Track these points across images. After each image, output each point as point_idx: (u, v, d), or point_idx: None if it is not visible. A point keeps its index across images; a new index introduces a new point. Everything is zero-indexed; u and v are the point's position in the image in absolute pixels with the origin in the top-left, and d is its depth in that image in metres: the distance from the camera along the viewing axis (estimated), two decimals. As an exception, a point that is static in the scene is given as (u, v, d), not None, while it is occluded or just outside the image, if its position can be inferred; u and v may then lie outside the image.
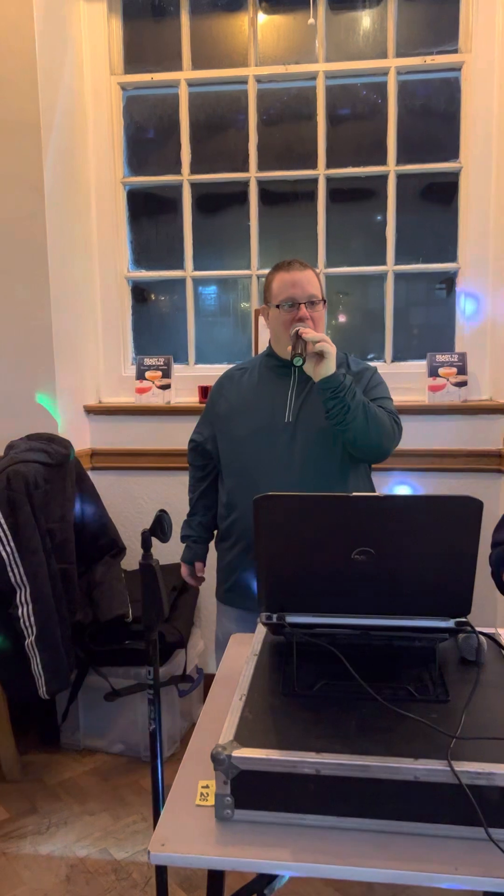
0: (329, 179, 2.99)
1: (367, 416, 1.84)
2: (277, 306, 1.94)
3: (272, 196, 3.06)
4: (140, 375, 3.05)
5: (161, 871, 1.70)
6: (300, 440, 1.93)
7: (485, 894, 1.69)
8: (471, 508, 1.20)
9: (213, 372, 3.09)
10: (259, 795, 1.09)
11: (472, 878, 0.99)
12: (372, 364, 2.09)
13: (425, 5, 2.84)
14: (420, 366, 2.96)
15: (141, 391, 3.04)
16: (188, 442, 2.22)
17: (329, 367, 1.81)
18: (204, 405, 2.94)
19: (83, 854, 2.23)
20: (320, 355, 1.81)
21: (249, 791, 1.09)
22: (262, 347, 2.96)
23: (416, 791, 1.05)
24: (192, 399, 3.05)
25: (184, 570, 2.24)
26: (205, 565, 2.24)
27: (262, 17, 2.93)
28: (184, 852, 1.05)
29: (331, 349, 1.82)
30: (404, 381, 2.94)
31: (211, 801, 1.13)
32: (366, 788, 1.06)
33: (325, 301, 1.99)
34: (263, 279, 3.07)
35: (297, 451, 1.93)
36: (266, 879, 1.62)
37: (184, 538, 2.23)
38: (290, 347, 1.86)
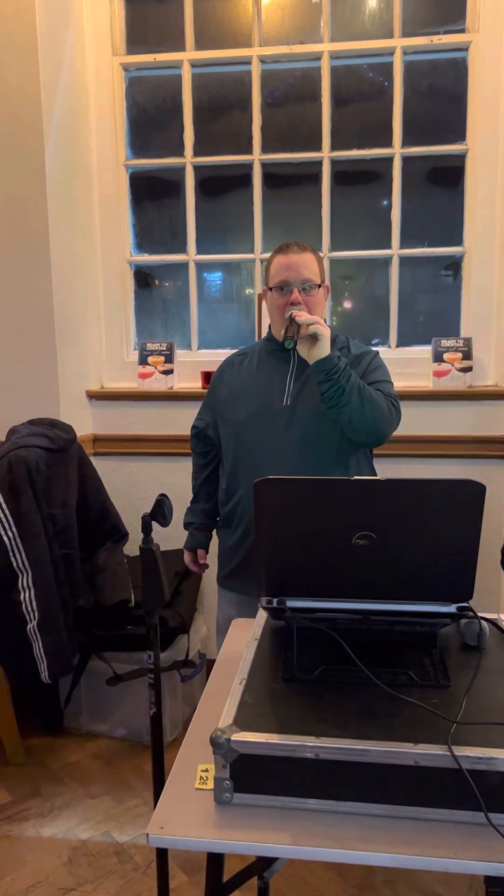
0: (334, 162, 2.96)
1: (362, 399, 1.82)
2: (272, 289, 1.94)
3: (276, 179, 3.02)
4: (143, 360, 3.03)
5: (162, 854, 1.70)
6: (297, 423, 1.91)
7: (485, 878, 1.69)
8: (473, 492, 1.19)
9: (216, 357, 3.07)
10: (258, 779, 1.08)
11: (472, 862, 0.99)
12: (374, 349, 2.07)
13: (432, -16, 2.80)
14: (425, 351, 2.93)
15: (143, 376, 3.03)
16: (190, 428, 2.21)
17: (323, 349, 1.80)
18: (206, 391, 2.95)
19: (85, 837, 2.24)
20: (314, 337, 1.80)
21: (249, 775, 1.08)
22: (265, 333, 2.94)
23: (417, 776, 1.04)
24: (195, 384, 3.04)
25: (186, 557, 2.24)
26: (207, 552, 2.23)
27: (267, -3, 2.89)
28: (183, 835, 1.05)
29: (324, 331, 1.81)
30: (409, 366, 2.92)
31: (210, 784, 1.13)
32: (365, 773, 1.05)
33: (325, 286, 1.97)
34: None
35: (294, 435, 1.91)
36: (265, 862, 1.62)
37: (186, 525, 2.22)
38: (283, 331, 1.85)
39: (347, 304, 3.09)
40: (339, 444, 1.92)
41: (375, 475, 2.10)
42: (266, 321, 2.94)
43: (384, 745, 1.05)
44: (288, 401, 1.93)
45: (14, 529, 2.34)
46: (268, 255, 3.02)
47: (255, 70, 2.93)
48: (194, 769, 1.18)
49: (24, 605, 2.36)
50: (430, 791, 1.04)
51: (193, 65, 2.97)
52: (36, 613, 2.37)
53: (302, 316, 1.81)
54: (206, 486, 2.19)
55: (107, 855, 2.16)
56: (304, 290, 1.91)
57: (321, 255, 1.98)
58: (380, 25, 2.84)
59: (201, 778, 1.16)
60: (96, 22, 2.94)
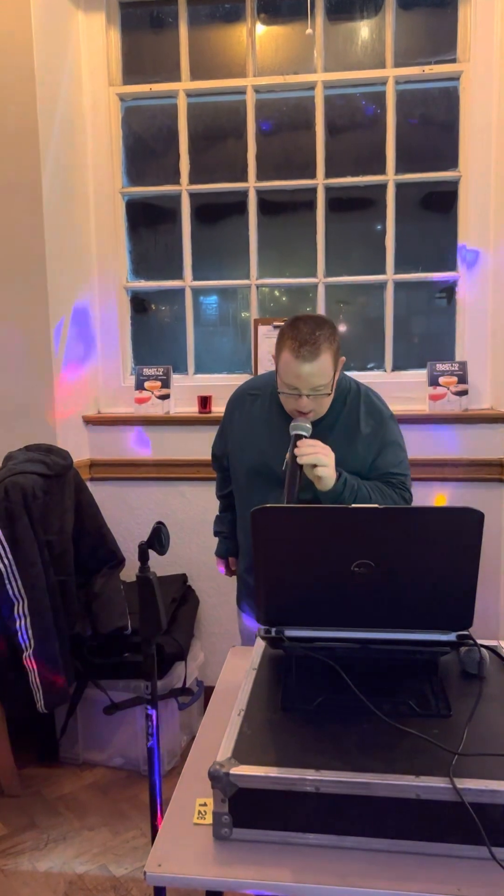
0: (328, 189, 2.99)
1: None
2: (279, 382, 1.79)
3: (271, 206, 3.05)
4: (139, 385, 3.04)
5: (160, 891, 1.67)
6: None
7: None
8: (471, 520, 1.18)
9: (212, 382, 3.08)
10: (258, 814, 1.07)
11: (476, 898, 0.97)
12: (386, 408, 1.94)
13: (423, 15, 2.85)
14: (420, 375, 2.94)
15: (140, 401, 3.03)
16: (211, 447, 2.20)
17: (326, 483, 1.72)
18: (203, 416, 2.96)
19: (82, 870, 2.20)
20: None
21: (248, 809, 1.07)
22: (262, 357, 2.96)
23: (418, 809, 1.03)
24: (191, 409, 3.04)
25: (219, 564, 2.26)
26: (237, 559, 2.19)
27: (261, 28, 2.94)
28: (181, 873, 1.03)
29: (327, 471, 1.71)
30: (404, 390, 2.92)
31: (209, 819, 1.11)
32: (367, 806, 1.04)
33: (340, 360, 1.82)
34: (263, 289, 3.09)
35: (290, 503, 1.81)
36: (266, 898, 1.59)
37: (216, 533, 2.25)
38: (287, 455, 1.73)
39: (343, 328, 3.11)
40: None
41: None
42: (262, 347, 2.96)
43: (385, 777, 1.04)
44: (286, 466, 1.78)
45: (10, 556, 2.32)
46: (264, 280, 3.07)
47: (250, 99, 2.97)
48: (192, 803, 1.17)
49: (19, 633, 2.34)
50: (433, 825, 1.03)
51: (189, 94, 3.01)
52: (32, 641, 2.34)
53: (305, 456, 1.69)
54: (231, 497, 2.13)
55: (104, 889, 2.12)
56: (313, 395, 1.76)
57: (334, 348, 1.77)
58: (372, 56, 2.89)
59: (200, 812, 1.14)
60: (93, 52, 2.98)
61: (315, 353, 1.70)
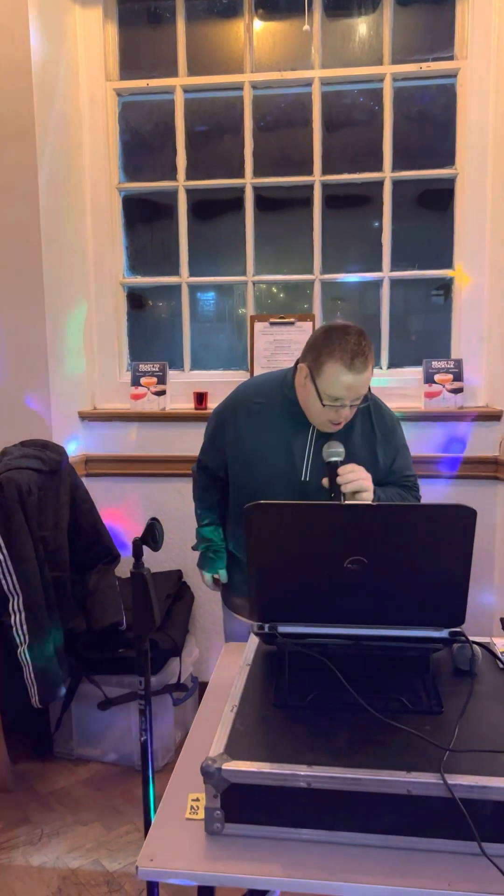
0: (325, 186, 2.99)
1: None
2: (319, 394, 1.71)
3: (268, 202, 3.05)
4: (135, 381, 3.03)
5: (152, 885, 1.68)
6: (313, 500, 1.80)
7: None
8: (464, 517, 1.19)
9: (208, 378, 3.08)
10: (250, 809, 1.07)
11: (466, 893, 0.98)
12: (389, 410, 1.95)
13: (421, 12, 2.84)
14: (416, 372, 2.95)
15: (136, 397, 3.03)
16: (196, 463, 2.09)
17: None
18: (200, 412, 2.96)
19: (75, 865, 2.20)
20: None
21: (240, 804, 1.07)
22: (258, 354, 2.96)
23: (409, 805, 1.03)
24: (187, 405, 3.04)
25: (205, 579, 2.11)
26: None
27: (258, 24, 2.93)
28: (173, 868, 1.04)
29: (370, 496, 1.70)
30: (400, 387, 2.93)
31: (201, 814, 1.11)
32: (358, 802, 1.04)
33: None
34: (260, 285, 3.09)
35: None
36: (257, 894, 1.60)
37: (206, 548, 2.09)
38: (324, 482, 1.72)
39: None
40: None
41: None
42: (258, 344, 2.96)
43: (377, 773, 1.04)
44: (307, 476, 1.81)
45: (5, 552, 2.32)
46: (260, 277, 3.06)
47: (247, 95, 2.96)
48: (185, 798, 1.17)
49: (14, 629, 2.34)
50: (424, 820, 1.04)
51: (186, 90, 3.00)
52: (26, 637, 2.34)
53: (350, 483, 1.68)
54: (220, 506, 2.07)
55: (97, 884, 2.13)
56: (352, 406, 1.75)
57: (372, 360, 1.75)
58: (370, 52, 2.88)
59: (192, 808, 1.15)
60: (90, 47, 2.97)
61: (366, 363, 1.68)
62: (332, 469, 1.69)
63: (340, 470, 1.68)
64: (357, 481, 1.68)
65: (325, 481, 1.70)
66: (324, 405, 1.71)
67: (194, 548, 2.13)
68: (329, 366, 1.68)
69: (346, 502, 1.66)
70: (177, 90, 2.99)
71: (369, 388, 1.88)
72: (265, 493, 1.80)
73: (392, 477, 1.88)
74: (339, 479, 1.67)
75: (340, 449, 1.73)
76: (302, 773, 1.05)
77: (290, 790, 1.05)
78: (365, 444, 1.84)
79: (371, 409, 1.87)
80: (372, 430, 1.86)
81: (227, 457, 1.95)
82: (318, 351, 1.70)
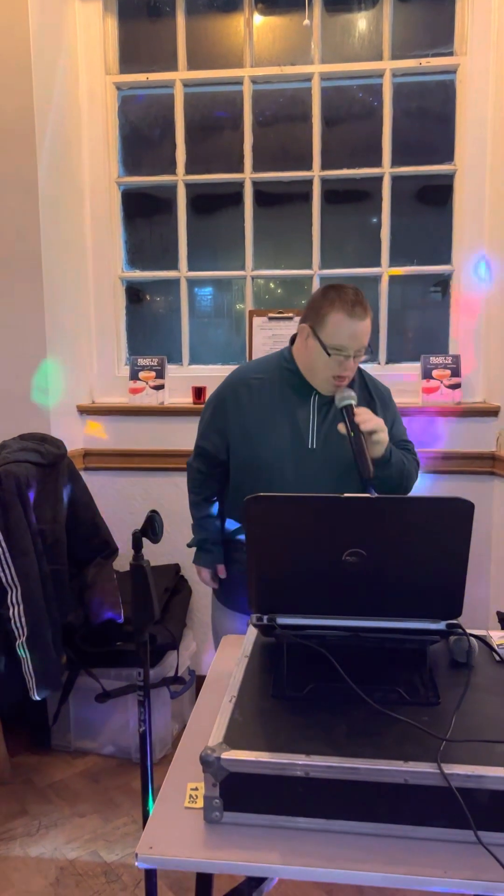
0: (324, 181, 2.99)
1: (401, 476, 1.85)
2: (324, 346, 1.77)
3: (267, 197, 3.05)
4: (134, 376, 3.04)
5: (150, 874, 1.69)
6: (326, 468, 1.84)
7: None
8: (462, 510, 1.20)
9: (206, 373, 3.09)
10: (248, 798, 1.08)
11: (462, 881, 0.99)
12: (382, 384, 2.02)
13: (421, 7, 2.84)
14: (414, 368, 2.95)
15: (134, 391, 3.03)
16: (194, 448, 2.08)
17: (380, 450, 1.75)
18: (198, 406, 2.95)
19: (73, 856, 2.21)
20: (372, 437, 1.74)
21: (238, 793, 1.08)
22: (256, 348, 2.96)
23: (406, 794, 1.04)
24: (185, 400, 3.04)
25: (205, 575, 2.12)
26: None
27: (258, 19, 2.93)
28: (172, 855, 1.05)
29: (385, 436, 1.75)
30: (398, 382, 2.93)
31: (200, 803, 1.12)
32: (355, 791, 1.06)
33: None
34: (258, 280, 3.09)
35: (322, 479, 1.84)
36: (255, 882, 1.61)
37: (200, 542, 2.11)
38: (341, 427, 1.75)
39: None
40: (361, 485, 1.89)
41: None
42: (257, 338, 2.97)
43: (374, 763, 1.05)
44: (314, 444, 1.86)
45: (3, 545, 2.33)
46: (259, 272, 3.07)
47: (247, 90, 2.96)
48: (184, 787, 1.18)
49: (13, 621, 2.35)
50: (421, 809, 1.05)
51: (186, 84, 3.00)
52: (25, 629, 2.35)
53: (366, 423, 1.72)
54: (215, 498, 2.09)
55: (94, 875, 2.14)
56: (356, 356, 1.80)
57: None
58: (369, 48, 2.89)
59: (191, 796, 1.16)
60: (89, 41, 2.97)
61: (365, 312, 1.77)
62: (347, 412, 1.74)
63: (357, 411, 1.74)
64: (373, 421, 1.73)
65: (342, 426, 1.75)
66: (329, 355, 1.77)
67: (190, 544, 2.13)
68: (332, 316, 1.76)
69: (364, 457, 1.69)
70: (176, 84, 2.99)
71: (360, 370, 1.96)
72: (272, 468, 1.85)
73: (393, 439, 1.91)
74: (356, 419, 1.72)
75: (352, 392, 1.79)
76: (300, 763, 1.06)
77: (288, 779, 1.06)
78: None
79: (366, 378, 1.96)
80: (370, 396, 1.93)
81: (228, 436, 1.95)
82: (318, 306, 1.79)
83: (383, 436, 1.74)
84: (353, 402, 1.76)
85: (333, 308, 1.76)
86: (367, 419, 1.73)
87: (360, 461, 1.69)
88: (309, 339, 1.80)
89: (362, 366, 1.98)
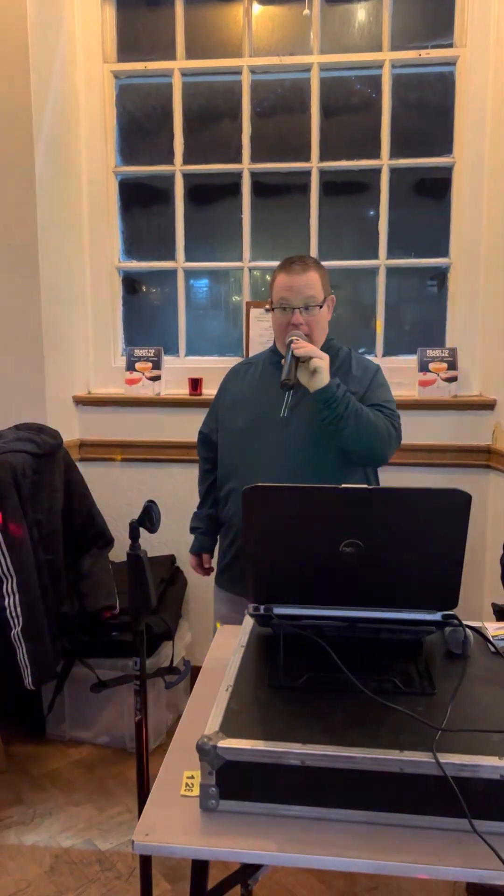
0: (322, 172, 2.98)
1: (358, 424, 1.86)
2: (274, 308, 1.97)
3: (265, 188, 3.04)
4: (130, 366, 3.03)
5: (145, 862, 1.70)
6: (294, 436, 1.93)
7: (467, 885, 1.70)
8: (459, 501, 1.20)
9: (203, 364, 3.08)
10: (244, 786, 1.09)
11: (456, 869, 1.00)
12: (375, 362, 2.10)
13: (421, -1, 2.83)
14: (411, 360, 2.96)
15: (131, 382, 3.03)
16: (197, 434, 2.25)
17: (321, 379, 1.83)
18: (194, 398, 2.96)
19: (67, 845, 2.22)
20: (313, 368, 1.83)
21: (234, 782, 1.08)
22: (253, 340, 2.96)
23: (402, 783, 1.05)
24: (182, 391, 3.04)
25: (192, 561, 2.27)
26: (212, 556, 2.25)
27: (257, 8, 2.92)
28: (168, 842, 1.05)
29: (322, 364, 1.83)
30: (395, 375, 2.92)
31: (196, 791, 1.13)
32: (351, 780, 1.06)
33: (330, 298, 2.00)
34: (255, 272, 3.09)
35: (290, 447, 1.93)
36: (250, 870, 1.62)
37: (193, 529, 2.26)
38: (283, 361, 1.87)
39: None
40: (337, 458, 1.93)
41: None
42: (254, 329, 2.96)
43: (370, 752, 1.06)
44: (285, 412, 1.94)
45: (-1, 535, 2.33)
46: (256, 263, 3.06)
47: (246, 80, 2.95)
48: (180, 776, 1.18)
49: (8, 611, 2.35)
50: (416, 798, 1.05)
51: (184, 73, 2.98)
52: (20, 619, 2.35)
53: (301, 349, 1.84)
54: (212, 491, 2.19)
55: (89, 863, 2.15)
56: (305, 310, 1.93)
57: (323, 268, 2.02)
58: (369, 39, 2.87)
59: (187, 785, 1.16)
60: (87, 29, 2.94)
61: (304, 267, 1.93)
62: (289, 345, 1.86)
63: (296, 339, 1.86)
64: (307, 347, 1.84)
65: (283, 362, 1.87)
66: (276, 310, 1.95)
67: (191, 531, 2.27)
68: (276, 278, 1.97)
69: (288, 368, 1.82)
70: (175, 73, 2.98)
71: (349, 348, 2.05)
72: (245, 434, 1.99)
73: (365, 403, 1.94)
74: (293, 346, 1.84)
75: (299, 332, 1.91)
76: (296, 751, 1.07)
77: (284, 768, 1.07)
78: (340, 378, 1.93)
79: (353, 359, 2.04)
80: (348, 371, 2.00)
81: (218, 415, 2.13)
82: (270, 280, 2.00)
83: (320, 363, 1.83)
84: (297, 337, 1.89)
85: (275, 274, 1.98)
86: (302, 346, 1.85)
87: (283, 371, 1.82)
88: (271, 315, 2.00)
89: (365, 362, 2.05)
